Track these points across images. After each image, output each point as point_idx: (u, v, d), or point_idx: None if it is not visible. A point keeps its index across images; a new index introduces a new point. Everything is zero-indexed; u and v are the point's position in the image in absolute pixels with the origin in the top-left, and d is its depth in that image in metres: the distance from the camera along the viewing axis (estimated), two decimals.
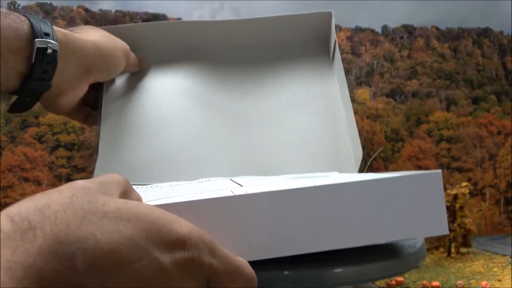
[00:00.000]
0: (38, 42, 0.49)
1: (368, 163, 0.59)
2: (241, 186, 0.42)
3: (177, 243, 0.29)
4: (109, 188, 0.31)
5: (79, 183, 0.30)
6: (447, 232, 0.37)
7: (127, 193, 0.33)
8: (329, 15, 0.71)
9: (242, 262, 0.32)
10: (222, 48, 0.69)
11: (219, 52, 0.69)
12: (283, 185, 0.38)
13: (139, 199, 0.34)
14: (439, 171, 0.37)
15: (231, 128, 0.64)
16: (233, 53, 0.70)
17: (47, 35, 0.51)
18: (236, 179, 0.50)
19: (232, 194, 0.35)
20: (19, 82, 0.51)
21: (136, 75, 0.69)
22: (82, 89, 0.59)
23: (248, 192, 0.36)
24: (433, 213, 0.37)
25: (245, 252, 0.33)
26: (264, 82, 0.68)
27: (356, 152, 0.61)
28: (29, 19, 0.50)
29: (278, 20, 0.70)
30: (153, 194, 0.42)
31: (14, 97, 0.55)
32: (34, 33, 0.50)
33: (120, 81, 0.67)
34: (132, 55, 0.67)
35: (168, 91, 0.66)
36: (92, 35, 0.59)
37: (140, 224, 0.28)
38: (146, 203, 0.31)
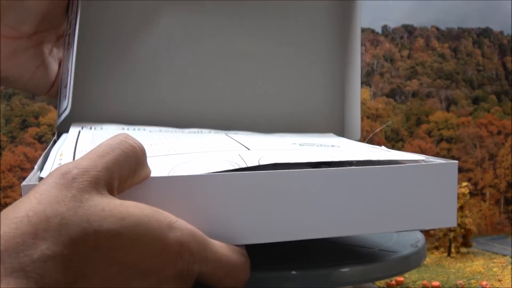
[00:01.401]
0: None
1: (370, 136, 0.58)
2: (248, 149, 0.40)
3: (169, 263, 0.28)
4: (114, 175, 0.28)
5: (71, 191, 0.26)
6: (455, 224, 0.36)
7: (137, 171, 0.30)
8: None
9: (237, 260, 0.32)
10: None
11: None
12: (296, 158, 0.37)
13: (148, 175, 0.31)
14: (456, 161, 0.36)
15: (220, 74, 0.59)
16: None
17: None
18: (234, 136, 0.48)
19: (254, 171, 0.33)
20: None
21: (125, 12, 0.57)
22: None
23: (261, 162, 0.35)
24: (444, 204, 0.36)
25: (251, 233, 0.33)
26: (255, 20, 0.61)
27: (349, 124, 0.60)
28: None
29: None
30: (150, 149, 0.40)
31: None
32: None
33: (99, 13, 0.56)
34: None
35: (159, 33, 0.58)
36: None
37: (132, 253, 0.27)
38: (142, 203, 0.29)
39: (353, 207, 0.34)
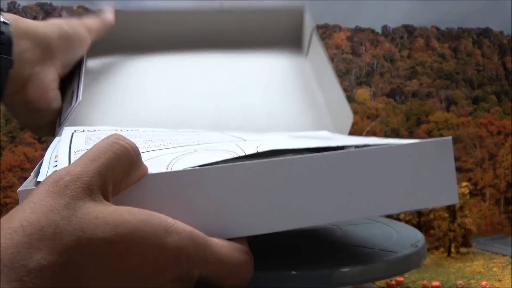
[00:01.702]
0: None
1: (365, 131, 0.59)
2: (244, 140, 0.40)
3: (167, 268, 0.27)
4: (107, 178, 0.28)
5: (64, 199, 0.26)
6: (456, 201, 0.36)
7: (131, 172, 0.29)
8: (299, 13, 0.70)
9: (239, 259, 0.31)
10: (196, 36, 0.70)
11: (193, 39, 0.69)
12: (294, 144, 0.37)
13: (144, 174, 0.30)
14: (450, 137, 0.37)
15: (208, 95, 0.63)
16: (207, 39, 0.70)
17: None
18: (228, 132, 0.48)
19: (258, 160, 0.32)
20: None
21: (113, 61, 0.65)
22: (49, 75, 0.54)
23: (259, 150, 0.34)
24: (443, 181, 0.36)
25: (253, 225, 0.32)
26: (239, 64, 0.68)
27: (340, 123, 0.61)
28: None
29: (249, 12, 0.70)
30: (142, 140, 0.39)
31: None
32: None
33: (97, 64, 0.65)
34: (91, 20, 0.60)
35: (142, 69, 0.64)
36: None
37: (128, 261, 0.26)
38: (136, 208, 0.28)
39: (355, 191, 0.34)
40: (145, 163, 0.31)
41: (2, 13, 0.49)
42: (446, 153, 0.36)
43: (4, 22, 0.47)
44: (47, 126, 0.57)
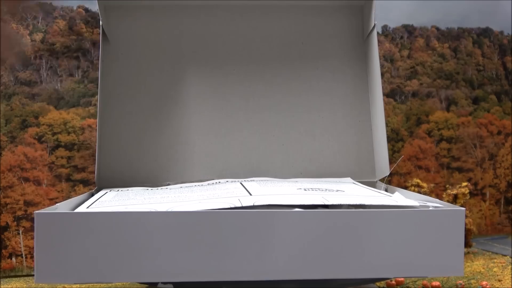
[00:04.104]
0: None
1: (386, 175, 0.58)
2: (250, 195, 0.41)
3: None
4: None
5: None
6: (461, 273, 0.35)
7: None
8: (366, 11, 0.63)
9: None
10: (239, 37, 0.63)
11: (236, 42, 0.63)
12: (290, 200, 0.37)
13: None
14: (463, 208, 0.35)
15: (246, 125, 0.61)
16: (254, 46, 0.64)
17: None
18: (247, 183, 0.49)
19: (230, 206, 0.35)
20: None
21: (143, 69, 0.60)
22: None
23: (255, 203, 0.35)
24: (449, 252, 0.35)
25: (240, 270, 0.33)
26: (289, 83, 0.64)
27: (379, 159, 0.59)
28: None
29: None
30: (160, 196, 0.41)
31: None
32: None
33: (120, 74, 0.60)
34: None
35: (178, 85, 0.60)
36: None
37: None
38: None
39: (344, 250, 0.34)
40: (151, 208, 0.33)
41: None
42: (456, 223, 0.35)
43: None
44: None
